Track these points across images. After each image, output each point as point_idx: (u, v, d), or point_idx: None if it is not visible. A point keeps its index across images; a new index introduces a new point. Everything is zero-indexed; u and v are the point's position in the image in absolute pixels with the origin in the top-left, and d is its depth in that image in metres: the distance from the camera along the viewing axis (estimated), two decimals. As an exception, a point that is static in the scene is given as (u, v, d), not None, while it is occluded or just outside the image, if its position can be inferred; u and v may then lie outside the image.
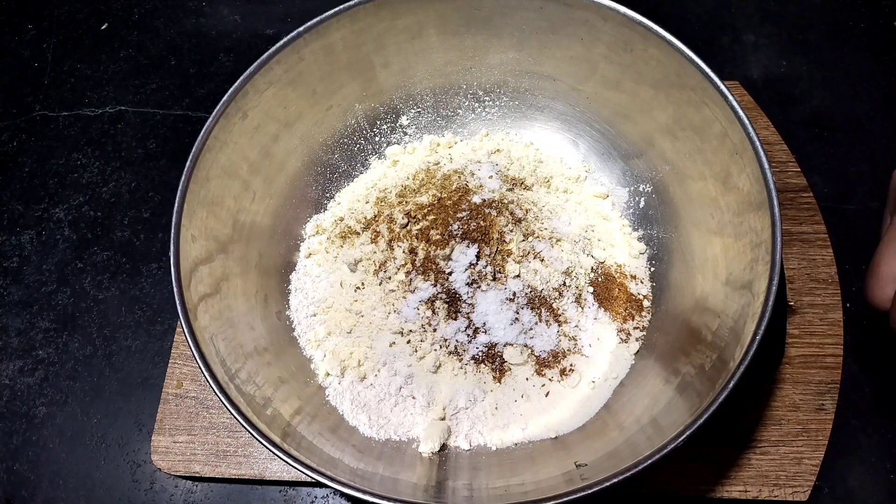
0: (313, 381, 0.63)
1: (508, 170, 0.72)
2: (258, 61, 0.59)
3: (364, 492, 0.45)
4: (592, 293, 0.65)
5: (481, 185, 0.69)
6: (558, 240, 0.66)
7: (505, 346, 0.62)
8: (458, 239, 0.64)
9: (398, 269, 0.65)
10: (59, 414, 0.70)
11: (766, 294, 0.47)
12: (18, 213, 0.81)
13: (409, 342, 0.63)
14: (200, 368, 0.49)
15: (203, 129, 0.57)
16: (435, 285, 0.63)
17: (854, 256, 0.72)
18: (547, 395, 0.61)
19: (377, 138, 0.75)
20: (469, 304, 0.62)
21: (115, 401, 0.70)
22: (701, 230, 0.61)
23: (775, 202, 0.49)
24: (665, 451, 0.44)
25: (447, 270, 0.63)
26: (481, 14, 0.65)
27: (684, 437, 0.45)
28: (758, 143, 0.51)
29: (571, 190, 0.72)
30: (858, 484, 0.62)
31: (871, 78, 0.83)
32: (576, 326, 0.63)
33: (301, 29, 0.60)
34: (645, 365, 0.62)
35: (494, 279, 0.63)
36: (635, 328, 0.64)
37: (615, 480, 0.44)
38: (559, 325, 0.63)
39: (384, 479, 0.53)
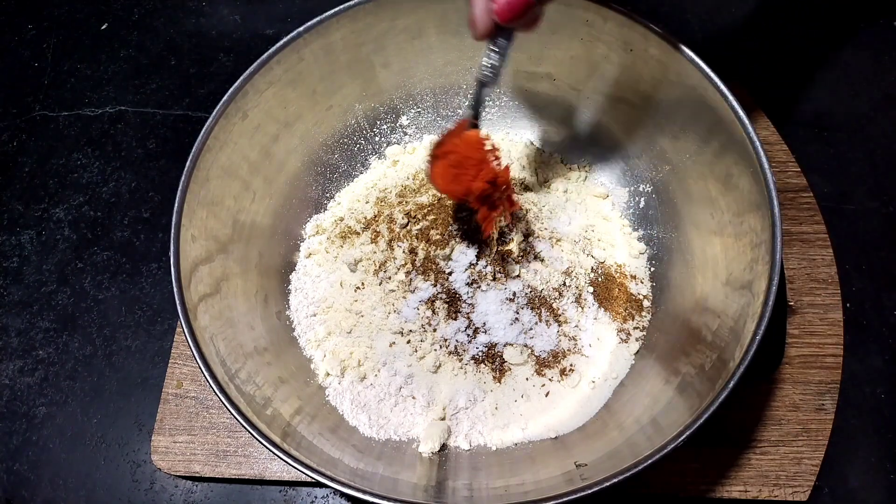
0: (313, 381, 0.63)
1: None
2: (258, 61, 0.59)
3: (364, 492, 0.45)
4: (592, 293, 0.65)
5: (481, 185, 0.69)
6: (558, 240, 0.66)
7: (505, 346, 0.62)
8: (457, 239, 0.64)
9: (398, 269, 0.65)
10: (59, 414, 0.69)
11: (766, 294, 0.47)
12: (18, 213, 0.81)
13: (409, 342, 0.63)
14: (200, 368, 0.49)
15: (203, 129, 0.57)
16: (435, 285, 0.63)
17: (854, 256, 0.72)
18: (547, 395, 0.61)
19: (377, 138, 0.75)
20: (469, 304, 0.62)
21: (115, 401, 0.70)
22: (701, 230, 0.61)
23: (775, 202, 0.49)
24: (665, 451, 0.44)
25: (447, 270, 0.63)
26: (481, 14, 0.65)
27: (684, 437, 0.45)
28: (758, 143, 0.51)
29: (571, 190, 0.72)
30: (858, 484, 0.62)
31: (871, 78, 0.83)
32: (576, 326, 0.63)
33: (301, 29, 0.60)
34: (645, 365, 0.62)
35: (494, 279, 0.63)
36: (635, 328, 0.64)
37: (615, 480, 0.44)
38: (559, 325, 0.63)
39: (384, 479, 0.53)
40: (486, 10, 0.47)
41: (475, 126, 0.56)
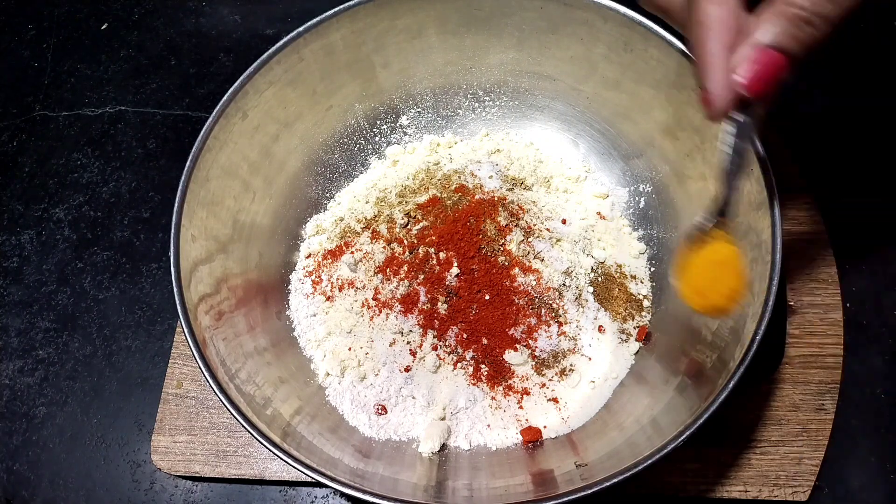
0: (313, 381, 0.63)
1: (508, 170, 0.72)
2: (258, 61, 0.59)
3: (364, 492, 0.45)
4: (592, 293, 0.65)
5: (481, 185, 0.69)
6: (558, 240, 0.66)
7: (505, 346, 0.62)
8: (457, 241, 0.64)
9: (398, 269, 0.65)
10: (59, 414, 0.70)
11: (766, 294, 0.47)
12: (18, 213, 0.81)
13: (408, 342, 0.63)
14: (200, 368, 0.49)
15: (203, 129, 0.57)
16: (435, 285, 0.63)
17: (854, 256, 0.72)
18: (547, 396, 0.61)
19: (377, 138, 0.75)
20: (469, 304, 0.62)
21: (115, 401, 0.70)
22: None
23: (775, 202, 0.49)
24: (665, 451, 0.44)
25: (447, 271, 0.63)
26: (481, 14, 0.65)
27: (684, 437, 0.45)
28: (758, 144, 0.51)
29: (571, 190, 0.72)
30: (858, 484, 0.62)
31: (871, 78, 0.83)
32: (576, 326, 0.63)
33: (301, 29, 0.60)
34: (645, 365, 0.62)
35: (494, 279, 0.63)
36: (635, 328, 0.64)
37: (615, 480, 0.44)
38: (559, 325, 0.63)
39: (384, 479, 0.53)
40: (728, 85, 0.38)
41: (724, 227, 0.46)
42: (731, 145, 0.43)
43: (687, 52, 0.55)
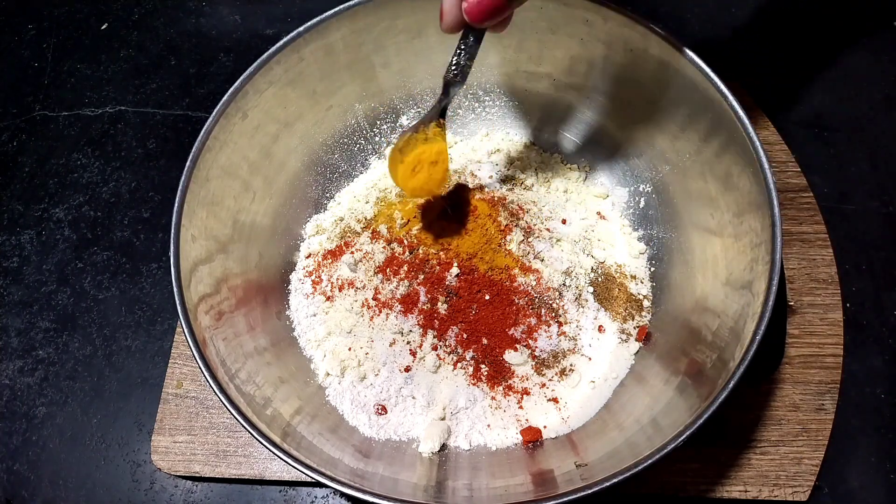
0: (313, 381, 0.63)
1: (508, 170, 0.72)
2: (258, 61, 0.59)
3: (364, 492, 0.45)
4: (592, 293, 0.65)
5: (481, 185, 0.69)
6: (558, 240, 0.66)
7: (505, 346, 0.62)
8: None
9: (398, 269, 0.65)
10: (59, 414, 0.70)
11: (766, 294, 0.47)
12: (18, 213, 0.81)
13: (408, 342, 0.63)
14: (200, 368, 0.49)
15: (203, 129, 0.57)
16: (435, 285, 0.63)
17: (854, 256, 0.72)
18: (547, 396, 0.61)
19: (377, 138, 0.75)
20: (469, 304, 0.62)
21: (115, 401, 0.70)
22: (701, 230, 0.61)
23: (775, 202, 0.49)
24: (665, 451, 0.44)
25: (447, 271, 0.63)
26: (481, 14, 0.65)
27: (684, 437, 0.45)
28: (758, 143, 0.51)
29: (571, 190, 0.72)
30: (858, 484, 0.62)
31: (871, 78, 0.83)
32: (576, 326, 0.63)
33: (301, 29, 0.60)
34: (645, 365, 0.62)
35: (494, 279, 0.63)
36: (635, 328, 0.64)
37: (615, 480, 0.44)
38: (559, 325, 0.63)
39: (384, 479, 0.53)
40: (456, 5, 0.47)
41: (441, 127, 0.57)
42: (456, 58, 0.51)
43: (687, 51, 0.55)
